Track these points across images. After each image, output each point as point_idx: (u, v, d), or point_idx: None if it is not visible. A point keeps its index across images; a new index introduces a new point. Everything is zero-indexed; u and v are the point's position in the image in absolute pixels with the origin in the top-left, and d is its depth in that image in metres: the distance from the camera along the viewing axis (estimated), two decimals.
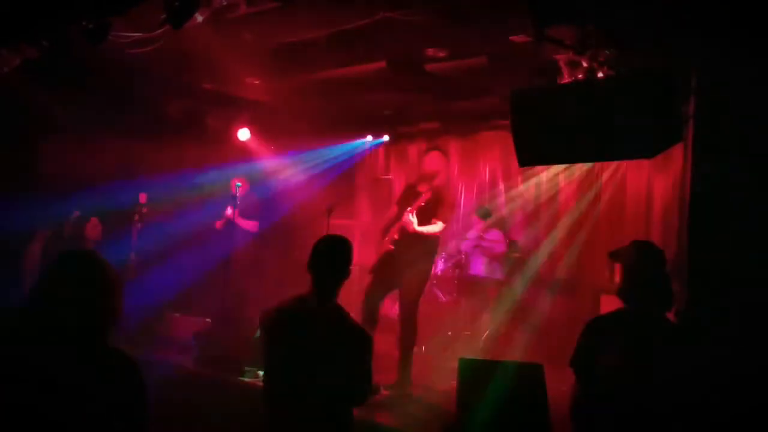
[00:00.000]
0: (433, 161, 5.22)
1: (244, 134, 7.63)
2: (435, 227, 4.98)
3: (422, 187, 5.10)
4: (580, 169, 6.95)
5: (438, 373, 5.41)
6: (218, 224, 6.80)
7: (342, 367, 2.73)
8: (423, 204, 4.94)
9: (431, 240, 5.09)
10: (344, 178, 8.46)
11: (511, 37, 4.68)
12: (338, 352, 2.74)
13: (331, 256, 2.87)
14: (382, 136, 8.27)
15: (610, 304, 3.82)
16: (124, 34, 4.58)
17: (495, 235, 6.74)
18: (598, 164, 6.70)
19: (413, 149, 8.48)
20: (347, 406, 2.83)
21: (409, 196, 5.19)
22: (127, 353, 2.01)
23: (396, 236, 5.04)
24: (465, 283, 6.82)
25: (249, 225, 6.74)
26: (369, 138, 8.21)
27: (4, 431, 1.85)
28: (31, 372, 1.88)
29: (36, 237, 6.17)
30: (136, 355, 2.05)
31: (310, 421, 2.75)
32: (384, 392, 4.77)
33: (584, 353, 2.78)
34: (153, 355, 5.61)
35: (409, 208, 4.91)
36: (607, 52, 3.85)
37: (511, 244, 6.92)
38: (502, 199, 7.61)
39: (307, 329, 2.78)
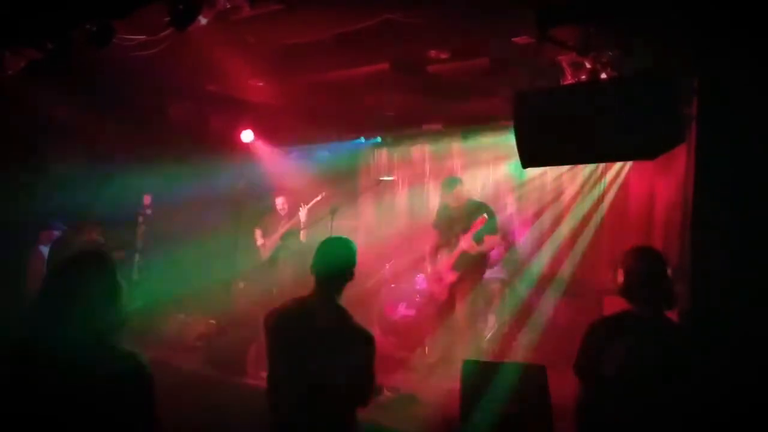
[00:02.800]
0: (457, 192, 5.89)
1: (247, 136, 7.65)
2: (491, 242, 5.75)
3: (454, 209, 5.83)
4: (584, 170, 6.93)
5: (441, 374, 5.41)
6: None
7: (344, 367, 2.73)
8: (481, 227, 5.60)
9: (485, 255, 5.85)
10: (348, 179, 8.48)
11: (513, 39, 4.68)
12: (340, 353, 2.74)
13: (334, 258, 2.88)
14: (385, 138, 8.30)
15: (613, 305, 3.81)
16: (128, 36, 4.59)
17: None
18: (601, 165, 6.69)
19: (416, 150, 8.48)
20: (350, 407, 2.83)
21: (452, 219, 5.84)
22: (137, 353, 2.02)
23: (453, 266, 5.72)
24: None
25: None
26: (361, 139, 8.25)
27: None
28: (39, 373, 1.89)
29: (40, 238, 6.19)
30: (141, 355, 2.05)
31: (313, 422, 2.75)
32: (387, 393, 4.78)
33: (587, 356, 2.78)
34: (158, 356, 5.61)
35: (465, 235, 5.62)
36: (610, 53, 3.85)
37: (510, 247, 6.92)
38: (504, 200, 7.60)
39: (308, 330, 2.78)
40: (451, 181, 6.01)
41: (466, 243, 5.64)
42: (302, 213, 6.60)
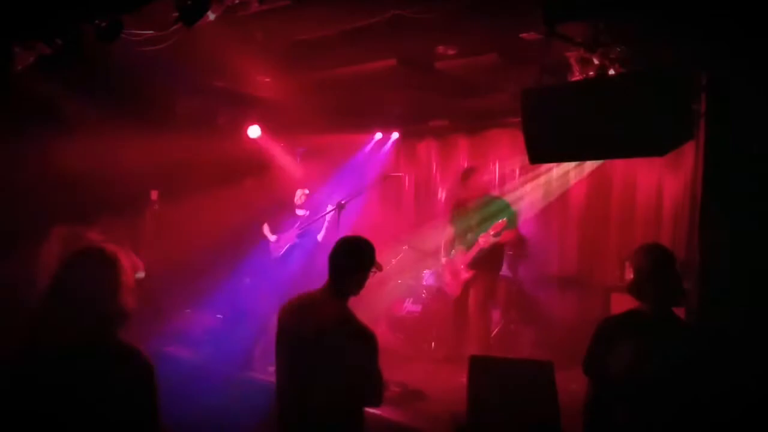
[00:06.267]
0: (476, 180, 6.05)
1: (254, 131, 7.67)
2: (509, 236, 5.83)
3: (470, 203, 5.99)
4: (591, 166, 6.90)
5: (448, 370, 5.42)
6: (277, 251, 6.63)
7: (343, 364, 2.72)
8: (500, 229, 5.65)
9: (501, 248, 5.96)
10: (354, 175, 8.48)
11: (521, 35, 4.66)
12: (340, 350, 2.73)
13: (347, 256, 2.88)
14: (391, 134, 8.30)
15: (620, 302, 3.80)
16: (137, 32, 4.60)
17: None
18: (609, 162, 6.66)
19: (423, 147, 8.48)
20: (355, 405, 2.83)
21: (468, 214, 5.94)
22: (140, 349, 2.03)
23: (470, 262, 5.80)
24: None
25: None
26: (378, 135, 8.24)
27: (17, 428, 1.86)
28: (44, 369, 1.90)
29: (52, 235, 6.20)
30: (147, 350, 2.06)
31: (316, 417, 2.76)
32: (394, 389, 4.78)
33: (596, 355, 2.77)
34: (165, 350, 5.64)
35: (484, 234, 5.71)
36: (618, 49, 3.84)
37: (521, 240, 6.91)
38: (511, 196, 7.58)
39: (309, 325, 2.78)
40: (467, 172, 6.18)
41: (484, 241, 5.70)
42: (328, 215, 6.19)
